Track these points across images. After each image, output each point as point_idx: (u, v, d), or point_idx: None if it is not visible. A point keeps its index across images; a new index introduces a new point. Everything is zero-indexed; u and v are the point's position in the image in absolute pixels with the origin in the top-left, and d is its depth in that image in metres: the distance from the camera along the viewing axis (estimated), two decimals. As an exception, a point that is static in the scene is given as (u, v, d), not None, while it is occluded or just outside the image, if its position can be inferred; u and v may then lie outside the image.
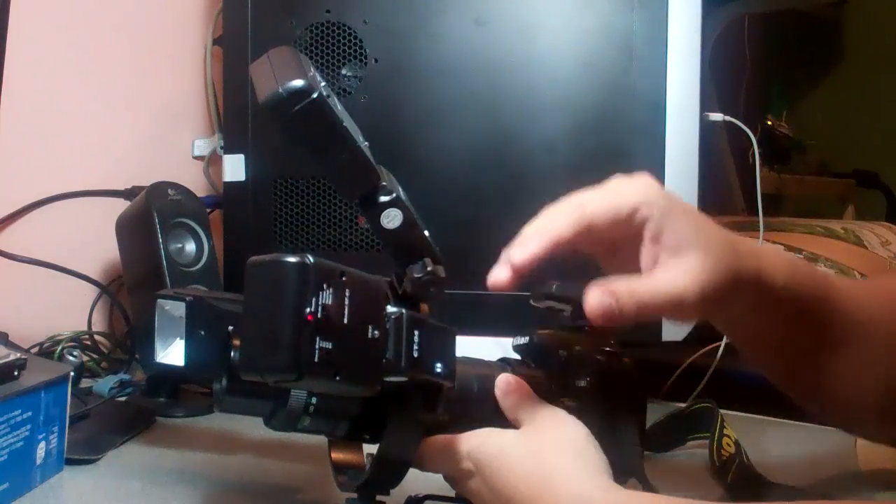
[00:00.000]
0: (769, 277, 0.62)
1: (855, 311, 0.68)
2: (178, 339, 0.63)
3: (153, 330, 0.63)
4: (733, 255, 0.59)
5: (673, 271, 0.58)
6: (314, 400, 0.57)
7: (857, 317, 0.68)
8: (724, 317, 0.66)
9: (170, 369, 0.64)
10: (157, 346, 0.63)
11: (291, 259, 0.50)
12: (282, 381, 0.51)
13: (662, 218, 0.58)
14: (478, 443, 0.60)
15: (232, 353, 0.56)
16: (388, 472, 0.60)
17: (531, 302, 0.72)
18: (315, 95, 0.54)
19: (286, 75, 0.54)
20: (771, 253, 0.64)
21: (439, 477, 0.62)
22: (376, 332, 0.54)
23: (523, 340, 0.68)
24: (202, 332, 0.62)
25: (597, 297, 0.56)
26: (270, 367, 0.50)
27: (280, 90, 0.54)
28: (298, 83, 0.54)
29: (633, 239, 0.59)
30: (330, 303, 0.51)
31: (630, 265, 0.59)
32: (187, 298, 0.63)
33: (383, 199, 0.59)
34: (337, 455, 0.63)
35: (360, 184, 0.59)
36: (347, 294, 0.52)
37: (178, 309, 0.63)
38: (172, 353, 0.63)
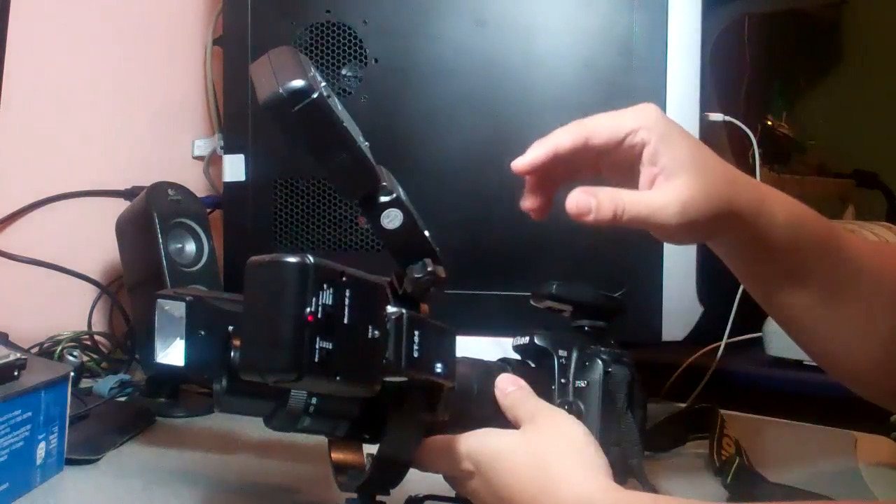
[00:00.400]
0: (769, 214, 0.63)
1: (861, 264, 0.67)
2: (178, 339, 0.63)
3: (153, 330, 0.63)
4: (729, 187, 0.61)
5: (660, 190, 0.60)
6: (314, 400, 0.57)
7: (863, 268, 0.67)
8: (720, 247, 0.67)
9: (170, 369, 0.64)
10: (157, 346, 0.63)
11: (292, 259, 0.50)
12: (282, 381, 0.51)
13: (660, 142, 0.61)
14: (477, 443, 0.60)
15: (232, 353, 0.56)
16: (388, 472, 0.60)
17: (531, 302, 0.72)
18: (315, 96, 0.54)
19: (286, 75, 0.54)
20: (775, 192, 0.65)
21: (439, 477, 0.62)
22: (376, 332, 0.54)
23: (523, 340, 0.68)
24: (202, 332, 0.62)
25: (577, 193, 0.60)
26: (270, 368, 0.50)
27: (280, 90, 0.54)
28: (299, 83, 0.54)
29: (634, 162, 0.62)
30: (330, 303, 0.51)
31: (631, 187, 0.62)
32: (187, 298, 0.63)
33: (383, 199, 0.59)
34: (337, 455, 0.63)
35: (360, 184, 0.59)
36: (348, 294, 0.52)
37: (178, 309, 0.63)
38: (172, 353, 0.63)
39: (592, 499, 0.55)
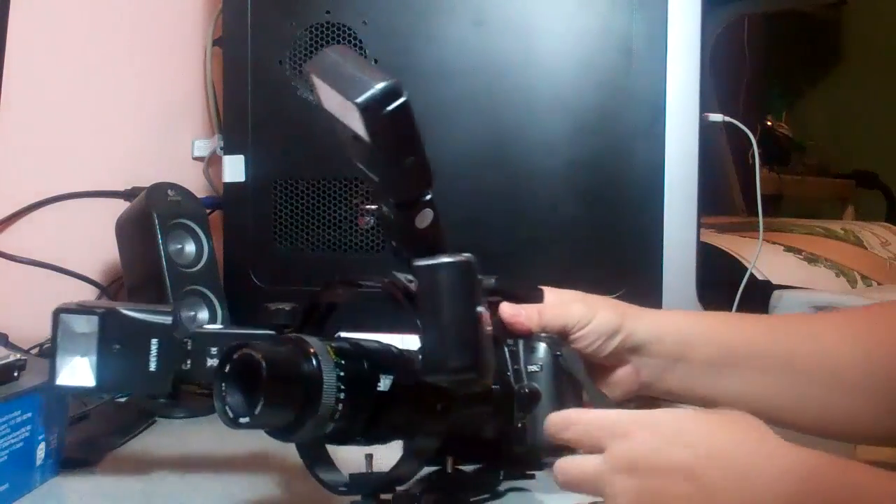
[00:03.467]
0: (657, 337, 0.73)
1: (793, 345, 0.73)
2: (82, 356, 0.59)
3: (54, 349, 0.59)
4: (616, 307, 0.74)
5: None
6: (341, 406, 0.57)
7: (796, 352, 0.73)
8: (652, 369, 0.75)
9: (76, 391, 0.60)
10: (58, 365, 0.59)
11: (465, 259, 0.52)
12: (466, 379, 0.52)
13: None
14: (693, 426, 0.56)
15: (263, 366, 0.53)
16: (408, 470, 0.60)
17: None
18: (405, 97, 0.56)
19: (375, 76, 0.56)
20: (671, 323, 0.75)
21: None
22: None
23: None
24: (117, 347, 0.59)
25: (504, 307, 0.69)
26: (462, 367, 0.51)
27: (375, 90, 0.55)
28: (391, 84, 0.55)
29: None
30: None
31: None
32: (98, 311, 0.59)
33: (425, 198, 0.60)
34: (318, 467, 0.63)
35: (419, 185, 0.60)
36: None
37: (84, 324, 0.59)
38: (78, 372, 0.59)
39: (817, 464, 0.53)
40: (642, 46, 0.95)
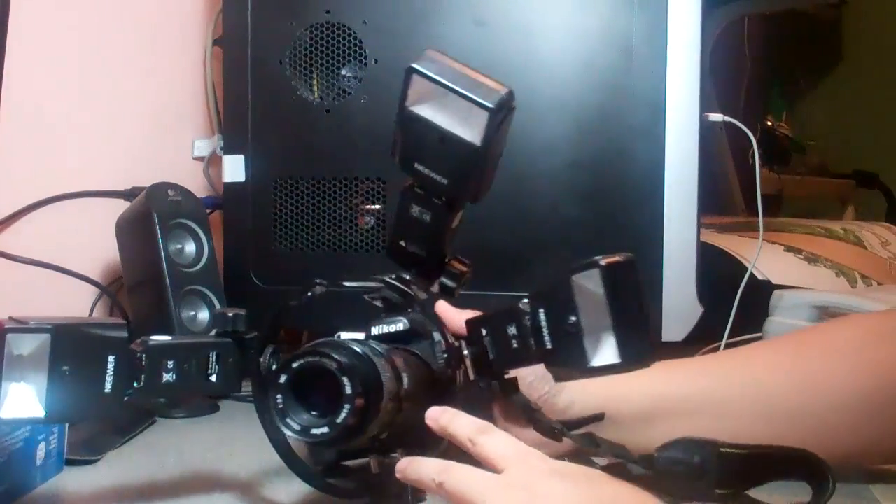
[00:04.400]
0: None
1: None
2: (27, 383, 0.52)
3: None
4: None
5: None
6: (390, 407, 0.57)
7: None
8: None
9: (23, 423, 0.52)
10: (1, 396, 0.51)
11: (633, 257, 0.54)
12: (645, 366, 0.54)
13: None
14: None
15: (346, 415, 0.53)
16: None
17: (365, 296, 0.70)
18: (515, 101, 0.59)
19: (493, 82, 0.59)
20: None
21: None
22: None
23: (396, 327, 0.66)
24: (66, 369, 0.52)
25: None
26: (650, 353, 0.54)
27: (503, 95, 0.58)
28: (512, 91, 0.59)
29: None
30: None
31: None
32: (48, 327, 0.52)
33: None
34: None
35: (488, 188, 0.63)
36: None
37: (28, 344, 0.51)
38: (24, 402, 0.52)
39: None
40: (642, 46, 0.95)
